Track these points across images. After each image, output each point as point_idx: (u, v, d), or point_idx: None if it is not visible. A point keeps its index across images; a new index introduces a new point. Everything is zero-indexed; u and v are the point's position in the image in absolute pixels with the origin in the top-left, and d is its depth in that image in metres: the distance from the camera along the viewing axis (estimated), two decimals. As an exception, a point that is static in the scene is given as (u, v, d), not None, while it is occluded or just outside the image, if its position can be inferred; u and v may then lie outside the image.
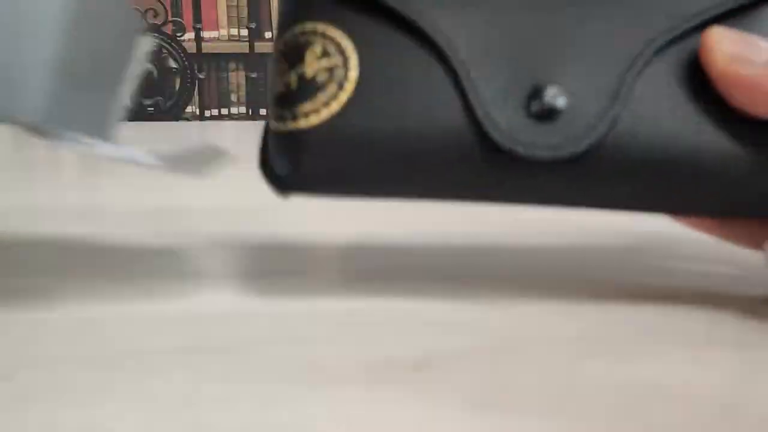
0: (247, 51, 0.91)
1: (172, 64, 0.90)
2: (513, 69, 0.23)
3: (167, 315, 0.24)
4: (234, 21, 0.91)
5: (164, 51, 0.90)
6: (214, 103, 0.93)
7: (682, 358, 0.21)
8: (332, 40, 0.24)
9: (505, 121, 0.22)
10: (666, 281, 0.28)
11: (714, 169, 0.23)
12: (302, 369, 0.21)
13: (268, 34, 0.91)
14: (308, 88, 0.23)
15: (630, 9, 0.23)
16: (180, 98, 0.92)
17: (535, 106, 0.22)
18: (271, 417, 0.18)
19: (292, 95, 0.24)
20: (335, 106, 0.23)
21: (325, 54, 0.24)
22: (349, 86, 0.23)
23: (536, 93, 0.22)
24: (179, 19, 0.90)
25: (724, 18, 0.23)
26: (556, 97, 0.22)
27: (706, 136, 0.23)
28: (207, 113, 0.93)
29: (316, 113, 0.23)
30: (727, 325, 0.23)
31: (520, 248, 0.32)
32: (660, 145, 0.23)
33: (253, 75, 0.92)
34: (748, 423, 0.18)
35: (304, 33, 0.24)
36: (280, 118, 0.24)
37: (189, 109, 0.93)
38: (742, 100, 0.23)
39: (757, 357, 0.21)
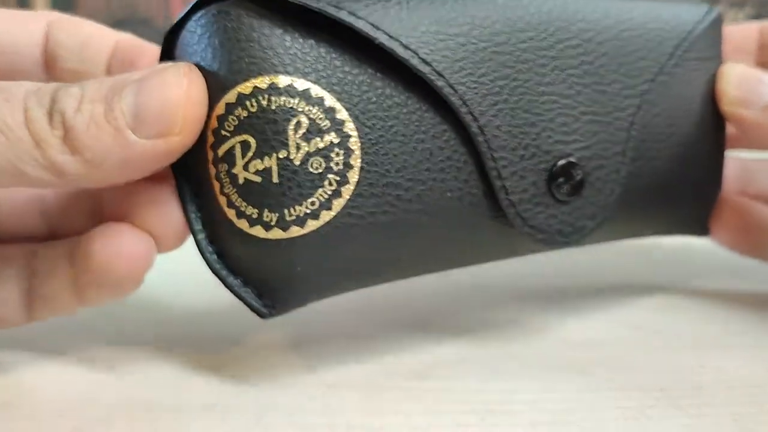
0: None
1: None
2: (531, 147, 0.20)
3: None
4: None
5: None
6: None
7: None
8: (320, 104, 0.17)
9: (530, 212, 0.20)
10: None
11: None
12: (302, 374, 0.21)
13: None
14: (299, 182, 0.17)
15: (612, 66, 0.22)
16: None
17: (562, 189, 0.20)
18: (270, 424, 0.18)
19: (274, 192, 0.17)
20: (337, 206, 0.17)
21: (315, 129, 0.17)
22: (353, 175, 0.18)
23: (560, 173, 0.20)
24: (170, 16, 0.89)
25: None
26: (579, 174, 0.21)
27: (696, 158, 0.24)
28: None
29: (314, 218, 0.17)
30: None
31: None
32: (658, 183, 0.23)
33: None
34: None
35: (273, 93, 0.17)
36: (258, 222, 0.17)
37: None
38: (746, 134, 0.24)
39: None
